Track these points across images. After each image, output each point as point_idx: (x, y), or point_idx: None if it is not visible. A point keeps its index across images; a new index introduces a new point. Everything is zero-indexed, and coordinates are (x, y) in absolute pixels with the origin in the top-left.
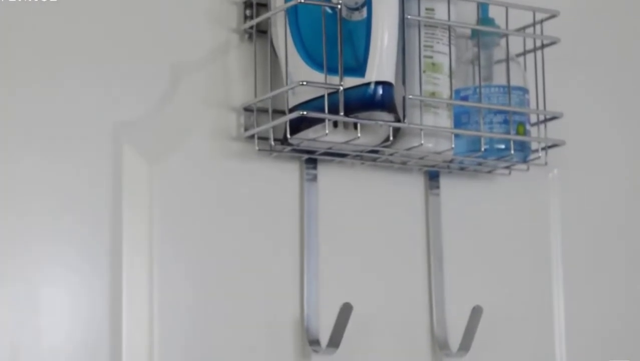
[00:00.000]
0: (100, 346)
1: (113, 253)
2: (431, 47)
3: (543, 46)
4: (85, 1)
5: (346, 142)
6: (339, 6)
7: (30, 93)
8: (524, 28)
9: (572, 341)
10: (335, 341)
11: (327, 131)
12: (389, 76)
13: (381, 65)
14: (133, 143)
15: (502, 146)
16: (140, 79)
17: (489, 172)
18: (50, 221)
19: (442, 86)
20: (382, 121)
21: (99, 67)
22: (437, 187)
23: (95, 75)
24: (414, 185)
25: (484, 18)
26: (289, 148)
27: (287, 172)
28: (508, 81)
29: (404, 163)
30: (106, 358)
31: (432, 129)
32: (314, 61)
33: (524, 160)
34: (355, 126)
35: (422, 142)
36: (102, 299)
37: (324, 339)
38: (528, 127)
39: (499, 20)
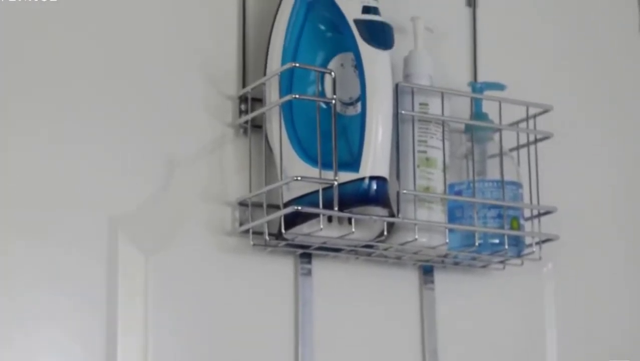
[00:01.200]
0: None
1: (109, 343)
2: (425, 142)
3: (536, 141)
4: (81, 96)
5: (341, 237)
6: (334, 101)
7: (29, 184)
8: (517, 123)
9: None
10: None
11: (321, 226)
12: (383, 170)
13: (375, 160)
14: (129, 235)
15: (496, 241)
16: (136, 171)
17: (484, 266)
18: (47, 312)
19: (436, 181)
20: (377, 216)
21: (96, 159)
22: (432, 281)
23: (92, 167)
24: (408, 279)
25: (477, 113)
26: (283, 243)
27: (282, 267)
28: (502, 175)
29: (398, 258)
30: None
31: (426, 223)
32: (309, 156)
33: (518, 255)
34: (349, 220)
35: (416, 237)
36: None
37: None
38: (522, 221)
39: (493, 114)
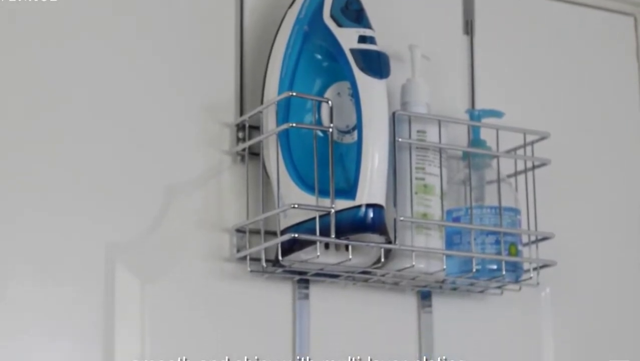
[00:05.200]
0: None
1: None
2: (423, 169)
3: (534, 167)
4: (77, 122)
5: (338, 264)
6: (331, 129)
7: (25, 211)
8: (514, 149)
9: None
10: None
11: (318, 253)
12: (379, 198)
13: (372, 187)
14: (126, 263)
15: (494, 267)
16: (134, 199)
17: (481, 292)
18: (41, 338)
19: (434, 207)
20: (374, 243)
21: (92, 187)
22: (430, 306)
23: (88, 195)
24: (406, 305)
25: (475, 140)
26: (280, 269)
27: (279, 293)
28: (499, 201)
29: (396, 283)
30: None
31: (424, 250)
32: (306, 183)
33: (516, 280)
34: (346, 247)
35: (414, 263)
36: None
37: None
38: (520, 247)
39: (490, 141)
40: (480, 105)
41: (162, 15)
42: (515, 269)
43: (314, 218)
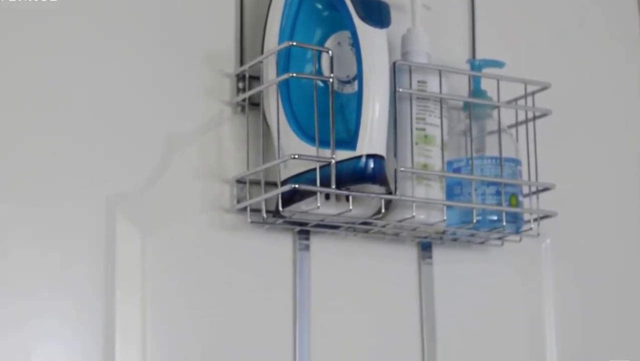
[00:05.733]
0: None
1: (106, 323)
2: (423, 119)
3: (535, 118)
4: (80, 73)
5: (338, 215)
6: (331, 79)
7: (26, 165)
8: (515, 100)
9: None
10: None
11: (319, 204)
12: (380, 148)
13: (372, 138)
14: (126, 214)
15: (495, 218)
16: (134, 150)
17: (482, 243)
18: (44, 294)
19: (434, 158)
20: (374, 194)
21: (92, 139)
22: (430, 257)
23: (89, 147)
24: (406, 256)
25: (476, 90)
26: (281, 220)
27: (280, 243)
28: (500, 152)
29: (396, 234)
30: None
31: (424, 201)
32: (306, 134)
33: (517, 231)
34: (347, 198)
35: (414, 214)
36: None
37: None
38: (520, 198)
39: (491, 92)
40: (481, 55)
41: None
42: (516, 220)
43: (315, 169)
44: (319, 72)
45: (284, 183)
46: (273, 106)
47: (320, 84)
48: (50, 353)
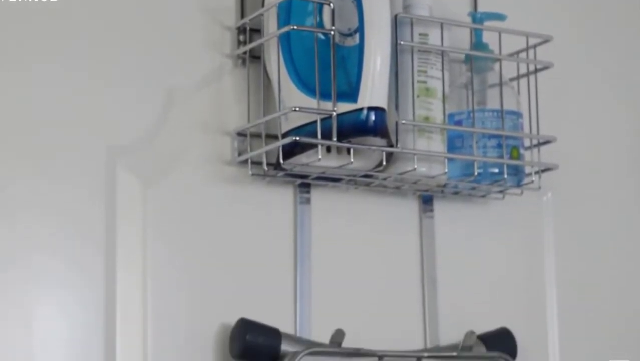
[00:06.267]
0: None
1: (107, 274)
2: (425, 72)
3: (536, 70)
4: (81, 26)
5: (339, 167)
6: (332, 32)
7: (28, 115)
8: (517, 53)
9: None
10: None
11: (319, 157)
12: (381, 101)
13: (373, 90)
14: (127, 166)
15: (496, 171)
16: (134, 103)
17: (483, 196)
18: (45, 243)
19: (436, 111)
20: (375, 147)
21: (94, 90)
22: (431, 210)
23: (91, 98)
24: (407, 209)
25: (477, 43)
26: (282, 173)
27: (281, 196)
28: (501, 105)
29: (397, 187)
30: None
31: (425, 153)
32: (307, 87)
33: (518, 184)
34: (348, 151)
35: (415, 167)
36: (96, 320)
37: None
38: (522, 151)
39: (493, 44)
40: (482, 8)
41: None
42: (517, 173)
43: (316, 121)
44: (320, 24)
45: (285, 135)
46: (274, 58)
47: (321, 36)
48: (49, 307)
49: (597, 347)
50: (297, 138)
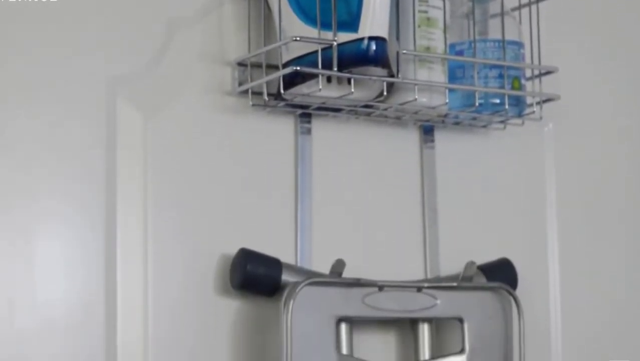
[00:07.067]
0: (95, 300)
1: (108, 206)
2: (426, 1)
3: (538, 0)
4: None
5: (340, 97)
6: None
7: (26, 48)
8: None
9: (566, 293)
10: None
11: (320, 86)
12: (382, 31)
13: (374, 20)
14: (127, 97)
15: (497, 101)
16: (134, 33)
17: (484, 126)
18: (45, 175)
19: (437, 41)
20: (376, 76)
21: (93, 22)
22: (432, 141)
23: (89, 30)
24: (408, 139)
25: None
26: (282, 103)
27: (281, 127)
28: (503, 35)
29: (398, 118)
30: (101, 311)
31: (426, 84)
32: (307, 16)
33: (519, 114)
34: (348, 81)
35: (416, 97)
36: (97, 253)
37: None
38: (523, 81)
39: None
40: None
41: None
42: (518, 104)
43: (316, 51)
44: None
45: (285, 65)
46: None
47: None
48: (51, 235)
49: (598, 277)
50: (298, 68)
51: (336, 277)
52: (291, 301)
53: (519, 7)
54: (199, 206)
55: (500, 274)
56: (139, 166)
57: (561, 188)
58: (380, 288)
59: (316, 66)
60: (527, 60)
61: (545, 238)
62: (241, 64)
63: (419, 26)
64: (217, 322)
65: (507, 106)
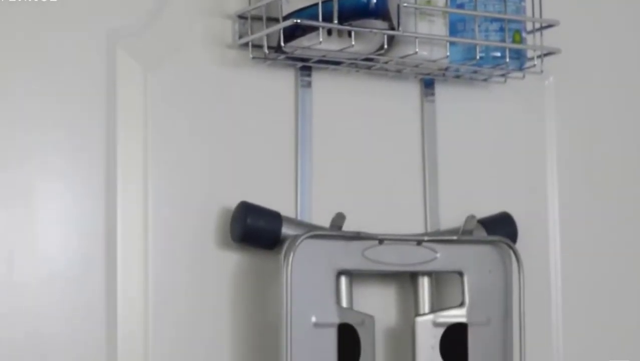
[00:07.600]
0: (95, 253)
1: (108, 158)
2: None
3: None
4: None
5: (340, 50)
6: None
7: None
8: None
9: (566, 246)
10: None
11: (321, 39)
12: None
13: None
14: (127, 50)
15: (498, 54)
16: None
17: (485, 80)
18: (45, 129)
19: None
20: (376, 29)
21: None
22: (433, 94)
23: None
24: (409, 92)
25: None
26: (283, 56)
27: (282, 80)
28: None
29: (399, 71)
30: (101, 263)
31: (427, 37)
32: None
33: (520, 68)
34: (349, 34)
35: (417, 50)
36: (97, 205)
37: None
38: (524, 35)
39: None
40: None
41: None
42: (519, 57)
43: (317, 4)
44: None
45: (286, 18)
46: None
47: None
48: (52, 188)
49: (598, 231)
50: (298, 20)
51: (336, 230)
52: (291, 254)
53: None
54: (198, 159)
55: (501, 228)
56: (139, 119)
57: (562, 141)
58: (380, 241)
59: (317, 19)
60: (528, 13)
61: (545, 191)
62: (242, 16)
63: None
64: (217, 275)
65: (507, 60)
